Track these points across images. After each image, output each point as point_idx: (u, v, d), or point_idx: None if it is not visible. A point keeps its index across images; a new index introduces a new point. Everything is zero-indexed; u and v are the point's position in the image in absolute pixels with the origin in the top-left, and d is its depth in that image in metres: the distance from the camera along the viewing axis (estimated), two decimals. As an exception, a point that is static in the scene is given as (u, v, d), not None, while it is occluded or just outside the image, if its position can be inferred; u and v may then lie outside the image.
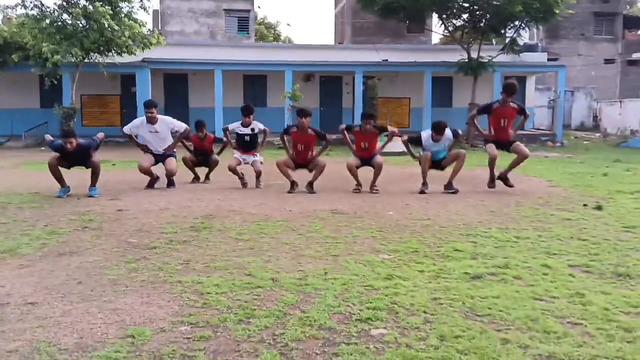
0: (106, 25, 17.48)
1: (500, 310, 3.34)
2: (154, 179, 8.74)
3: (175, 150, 8.98)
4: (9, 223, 5.85)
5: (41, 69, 18.28)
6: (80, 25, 18.20)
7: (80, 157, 7.82)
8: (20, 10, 18.69)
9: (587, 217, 6.43)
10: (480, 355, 2.71)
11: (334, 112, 24.39)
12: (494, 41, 24.76)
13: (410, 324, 3.12)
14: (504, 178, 8.52)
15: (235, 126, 9.24)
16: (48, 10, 18.38)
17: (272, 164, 8.93)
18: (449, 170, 8.54)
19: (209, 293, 3.64)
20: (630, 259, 4.56)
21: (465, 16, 21.80)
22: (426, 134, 8.55)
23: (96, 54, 18.78)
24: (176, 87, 23.51)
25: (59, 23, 18.19)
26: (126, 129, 8.85)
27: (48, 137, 8.17)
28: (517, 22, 21.15)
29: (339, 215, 6.49)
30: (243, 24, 29.86)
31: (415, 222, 6.12)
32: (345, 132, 8.75)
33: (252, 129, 9.16)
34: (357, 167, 8.50)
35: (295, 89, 20.62)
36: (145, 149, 8.87)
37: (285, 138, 8.82)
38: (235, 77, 22.97)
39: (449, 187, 8.36)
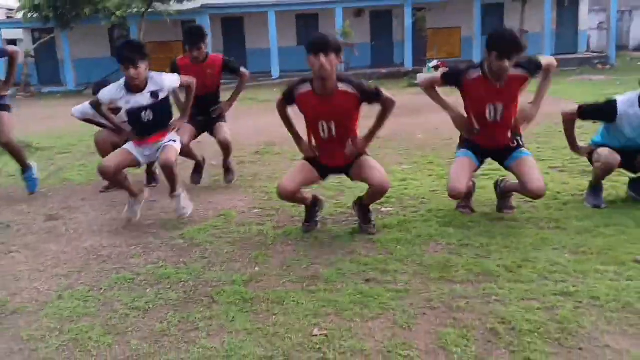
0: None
1: (479, 196, 4.66)
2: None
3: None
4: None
5: (109, 21, 20.11)
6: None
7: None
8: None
9: (589, 132, 7.47)
10: (450, 218, 4.07)
11: (385, 48, 25.23)
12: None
13: (410, 205, 4.53)
14: None
15: (113, 96, 4.33)
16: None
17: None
18: None
19: (271, 192, 5.12)
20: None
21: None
22: (628, 99, 4.13)
23: (158, 2, 20.42)
24: (234, 30, 24.88)
25: (124, -25, 19.81)
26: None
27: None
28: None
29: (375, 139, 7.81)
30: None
31: (439, 141, 7.39)
32: (436, 87, 4.23)
33: (155, 94, 4.30)
34: (466, 191, 4.08)
35: (346, 25, 21.52)
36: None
37: (287, 112, 3.99)
38: (288, 17, 24.06)
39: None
